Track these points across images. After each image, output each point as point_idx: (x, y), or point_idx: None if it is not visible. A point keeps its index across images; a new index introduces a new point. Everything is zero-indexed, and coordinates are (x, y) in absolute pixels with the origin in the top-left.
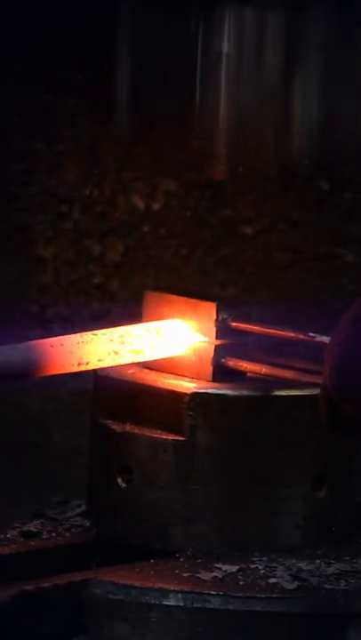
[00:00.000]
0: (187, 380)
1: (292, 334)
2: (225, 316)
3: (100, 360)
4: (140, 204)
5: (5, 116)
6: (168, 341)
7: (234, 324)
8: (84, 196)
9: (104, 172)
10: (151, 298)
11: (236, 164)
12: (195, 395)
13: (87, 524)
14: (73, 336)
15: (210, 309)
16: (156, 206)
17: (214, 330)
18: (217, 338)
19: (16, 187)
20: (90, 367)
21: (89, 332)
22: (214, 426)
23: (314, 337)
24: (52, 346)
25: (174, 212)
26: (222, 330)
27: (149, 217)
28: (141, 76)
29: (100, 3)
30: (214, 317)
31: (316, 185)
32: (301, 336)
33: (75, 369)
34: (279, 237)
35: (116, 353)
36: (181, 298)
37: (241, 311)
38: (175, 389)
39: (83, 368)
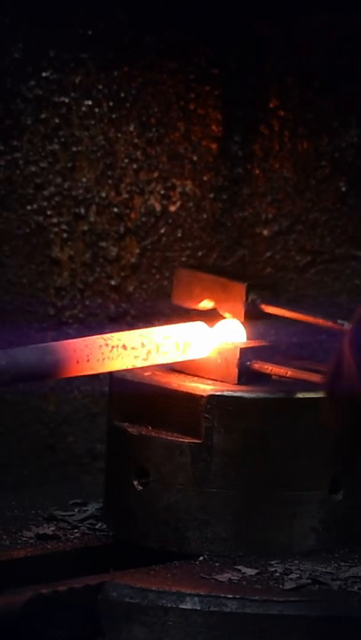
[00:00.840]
0: (203, 382)
1: (321, 320)
2: (255, 298)
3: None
4: (157, 206)
5: (20, 117)
6: (192, 354)
7: (263, 306)
8: (100, 197)
9: (120, 173)
10: (182, 275)
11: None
12: (211, 397)
13: (103, 526)
14: (100, 351)
15: (240, 290)
16: (172, 208)
17: (243, 311)
18: (246, 320)
19: (31, 188)
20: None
21: (119, 345)
22: (231, 428)
23: (343, 324)
24: (78, 362)
25: (191, 213)
26: (251, 312)
27: (166, 219)
28: None
29: (115, 4)
30: (243, 299)
31: (335, 186)
32: (330, 323)
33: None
34: (297, 239)
35: (134, 366)
36: (212, 276)
37: (272, 294)
38: (191, 392)
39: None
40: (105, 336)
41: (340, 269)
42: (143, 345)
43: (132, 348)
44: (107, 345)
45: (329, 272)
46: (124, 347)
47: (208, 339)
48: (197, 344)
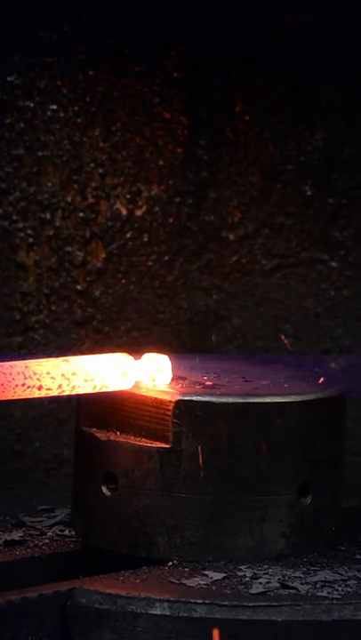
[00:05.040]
0: (171, 387)
1: None
2: None
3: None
4: (123, 210)
5: None
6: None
7: None
8: (65, 202)
9: (86, 178)
10: None
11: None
12: (179, 402)
13: (72, 532)
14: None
15: None
16: (138, 212)
17: None
18: None
19: None
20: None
21: (35, 377)
22: (199, 433)
23: None
24: None
25: (157, 218)
26: None
27: (132, 223)
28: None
29: (83, 9)
30: None
31: (301, 190)
32: None
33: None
34: (263, 243)
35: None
36: None
37: None
38: (159, 397)
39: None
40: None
41: (306, 273)
42: (59, 384)
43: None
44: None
45: (295, 276)
46: (40, 388)
47: (130, 367)
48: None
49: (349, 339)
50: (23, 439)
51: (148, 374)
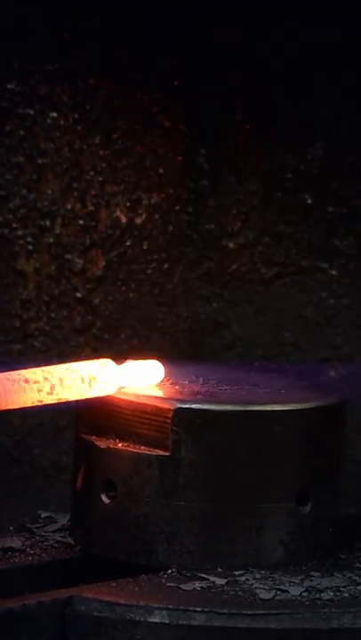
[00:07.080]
0: (170, 395)
1: None
2: None
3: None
4: (123, 218)
5: None
6: (98, 390)
7: None
8: (65, 209)
9: (86, 185)
10: None
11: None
12: (178, 410)
13: (71, 540)
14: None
15: None
16: (138, 220)
17: None
18: None
19: None
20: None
21: (21, 380)
22: (198, 441)
23: None
24: None
25: (157, 226)
26: None
27: (132, 231)
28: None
29: (82, 17)
30: None
31: (301, 198)
32: None
33: None
34: (263, 251)
35: (41, 401)
36: None
37: None
38: (159, 405)
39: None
40: (6, 373)
41: (306, 281)
42: (46, 379)
43: (35, 382)
44: (7, 379)
45: (295, 284)
46: (27, 380)
47: (115, 375)
48: (103, 379)
49: (349, 347)
50: (22, 446)
51: (132, 379)
